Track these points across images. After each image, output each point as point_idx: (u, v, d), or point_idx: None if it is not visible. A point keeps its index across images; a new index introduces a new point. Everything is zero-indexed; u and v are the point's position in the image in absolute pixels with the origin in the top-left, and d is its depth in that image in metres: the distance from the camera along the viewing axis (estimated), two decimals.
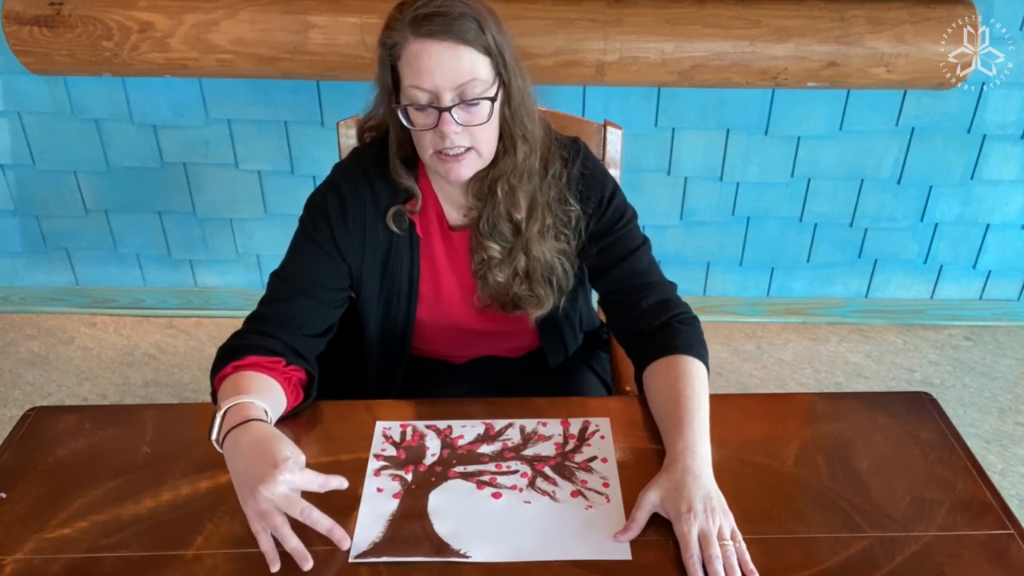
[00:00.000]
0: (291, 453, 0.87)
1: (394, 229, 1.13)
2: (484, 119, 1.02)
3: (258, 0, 1.85)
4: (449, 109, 0.99)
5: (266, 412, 0.95)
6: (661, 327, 1.09)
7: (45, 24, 1.86)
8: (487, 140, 1.05)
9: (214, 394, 1.02)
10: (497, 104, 1.03)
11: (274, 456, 0.86)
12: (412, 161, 1.12)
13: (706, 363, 1.07)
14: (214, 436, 0.93)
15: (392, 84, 1.04)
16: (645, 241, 1.17)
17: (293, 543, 0.85)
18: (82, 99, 2.16)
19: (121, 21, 1.86)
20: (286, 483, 0.84)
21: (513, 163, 1.08)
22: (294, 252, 1.13)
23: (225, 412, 0.93)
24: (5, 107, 2.18)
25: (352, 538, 0.88)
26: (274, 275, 1.13)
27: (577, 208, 1.14)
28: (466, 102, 1.00)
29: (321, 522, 0.85)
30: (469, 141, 1.03)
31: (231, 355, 1.02)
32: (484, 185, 1.10)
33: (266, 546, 0.85)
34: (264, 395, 0.98)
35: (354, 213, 1.12)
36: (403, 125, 1.04)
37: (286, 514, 0.85)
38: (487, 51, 1.00)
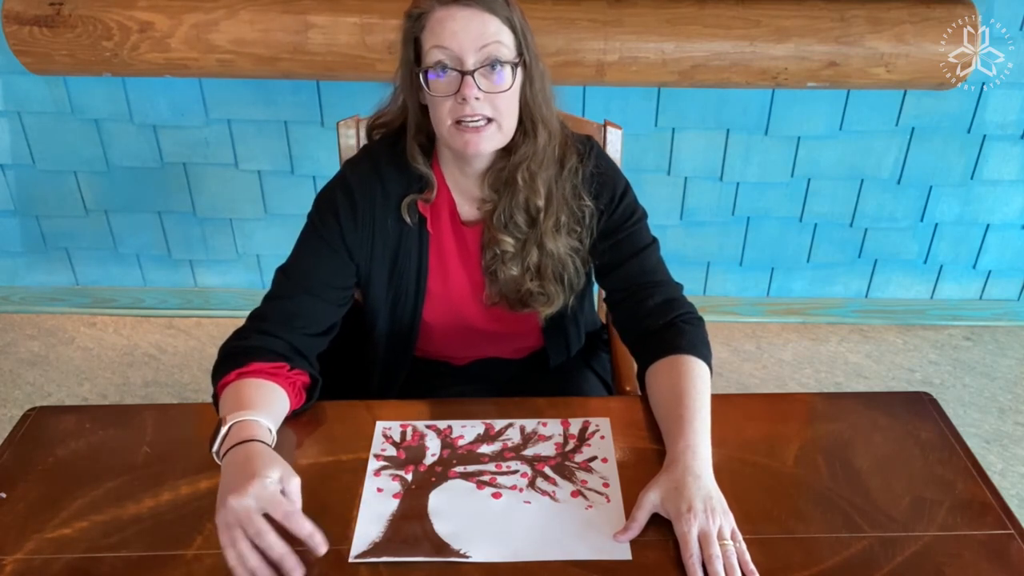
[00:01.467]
0: (275, 474, 0.83)
1: (406, 219, 1.12)
2: (506, 86, 1.02)
3: (258, 0, 1.85)
4: (472, 73, 0.99)
5: (270, 431, 0.94)
6: (666, 326, 1.09)
7: (45, 24, 1.87)
8: (508, 112, 1.04)
9: (215, 397, 1.01)
10: (519, 73, 1.04)
11: (255, 470, 0.83)
12: (428, 151, 1.12)
13: (710, 364, 1.06)
14: (215, 449, 0.91)
15: (414, 58, 1.04)
16: (654, 241, 1.17)
17: (253, 563, 0.80)
18: (82, 99, 2.16)
19: (121, 21, 1.86)
20: (255, 497, 0.81)
21: (534, 148, 1.08)
22: (301, 249, 1.13)
23: (229, 427, 0.92)
24: (5, 107, 2.18)
25: (352, 538, 0.87)
26: (280, 271, 1.12)
27: (591, 205, 1.14)
28: (489, 65, 1.00)
29: (275, 547, 0.81)
30: (490, 111, 1.02)
31: (234, 359, 1.01)
32: (503, 175, 1.10)
33: (232, 562, 0.81)
34: (268, 408, 0.96)
35: (364, 210, 1.11)
36: (422, 104, 1.04)
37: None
38: (511, 25, 1.02)
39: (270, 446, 0.91)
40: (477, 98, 1.00)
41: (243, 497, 0.81)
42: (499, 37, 1.00)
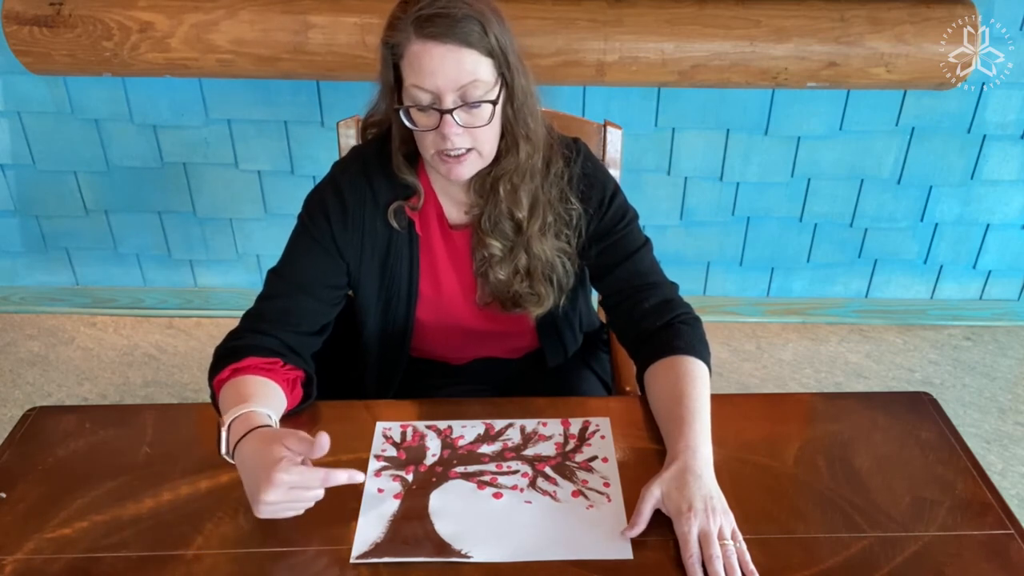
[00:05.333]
0: (286, 452, 0.85)
1: (394, 225, 1.13)
2: (485, 121, 1.02)
3: (258, 0, 1.85)
4: (451, 111, 0.99)
5: (270, 416, 0.95)
6: (663, 327, 1.09)
7: (45, 24, 1.86)
8: (488, 140, 1.05)
9: (213, 397, 1.02)
10: (499, 106, 1.03)
11: (268, 459, 0.85)
12: (413, 158, 1.12)
13: (708, 364, 1.06)
14: (223, 451, 0.92)
15: (394, 83, 1.04)
16: (647, 242, 1.17)
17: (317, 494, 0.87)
18: (82, 99, 2.16)
19: (121, 21, 1.86)
20: (283, 484, 0.84)
21: (516, 162, 1.08)
22: (292, 249, 1.13)
23: (230, 425, 0.92)
24: (5, 107, 2.18)
25: (353, 539, 0.88)
26: (272, 272, 1.13)
27: (578, 207, 1.14)
28: (468, 104, 1.00)
29: (337, 478, 0.87)
30: (470, 142, 1.03)
31: (229, 357, 1.02)
32: (486, 183, 1.10)
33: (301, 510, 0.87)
34: (265, 399, 0.97)
35: (354, 211, 1.12)
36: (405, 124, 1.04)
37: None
38: (490, 53, 1.00)
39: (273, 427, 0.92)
40: (457, 133, 1.01)
41: (272, 490, 0.83)
42: (476, 75, 0.99)
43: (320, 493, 0.86)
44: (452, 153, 1.02)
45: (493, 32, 0.99)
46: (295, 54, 1.88)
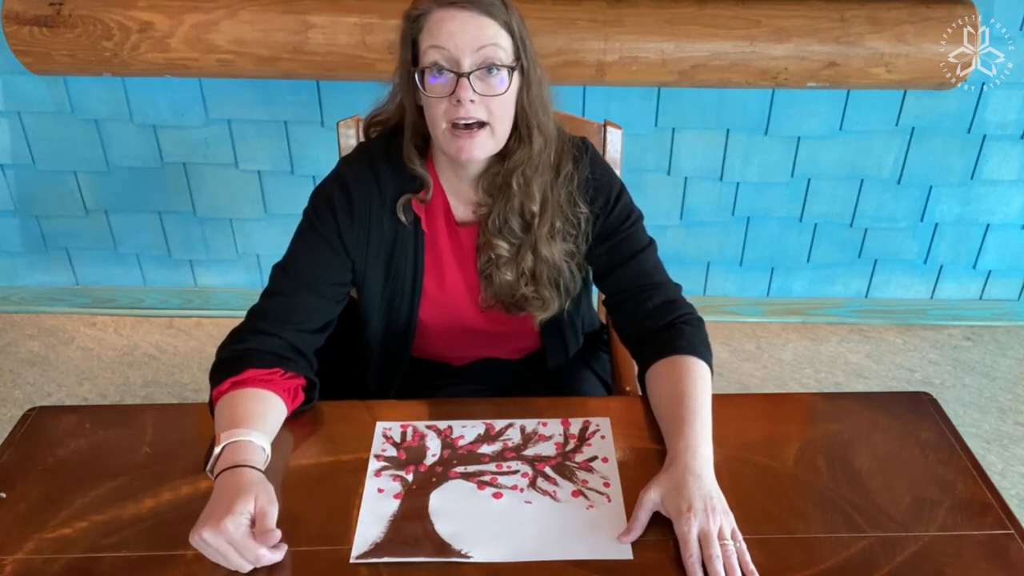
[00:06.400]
0: (249, 508, 0.84)
1: (401, 218, 1.12)
2: (502, 90, 1.02)
3: (258, 0, 1.85)
4: (467, 75, 0.99)
5: (263, 449, 0.94)
6: (666, 328, 1.09)
7: (45, 24, 1.87)
8: (502, 117, 1.05)
9: (211, 404, 1.01)
10: (516, 78, 1.04)
11: (232, 504, 0.83)
12: (423, 153, 1.12)
13: (710, 364, 1.06)
14: (208, 467, 0.92)
15: (412, 59, 1.04)
16: (651, 242, 1.17)
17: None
18: (82, 99, 2.16)
19: (121, 21, 1.86)
20: (226, 537, 0.82)
21: (528, 154, 1.08)
22: (297, 245, 1.13)
23: (223, 447, 0.92)
24: (5, 107, 2.18)
25: (353, 539, 0.88)
26: (277, 267, 1.12)
27: (586, 211, 1.14)
28: (485, 67, 1.00)
29: (271, 559, 0.84)
30: (485, 115, 1.02)
31: (229, 366, 1.01)
32: (497, 180, 1.10)
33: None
34: (262, 422, 0.96)
35: (360, 207, 1.11)
36: (419, 105, 1.04)
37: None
38: (509, 29, 1.02)
39: (261, 469, 0.92)
40: (472, 100, 1.00)
41: (217, 533, 0.82)
42: (496, 40, 1.01)
43: (246, 567, 0.83)
44: (464, 124, 1.02)
45: (514, 16, 1.03)
46: (295, 54, 1.88)
